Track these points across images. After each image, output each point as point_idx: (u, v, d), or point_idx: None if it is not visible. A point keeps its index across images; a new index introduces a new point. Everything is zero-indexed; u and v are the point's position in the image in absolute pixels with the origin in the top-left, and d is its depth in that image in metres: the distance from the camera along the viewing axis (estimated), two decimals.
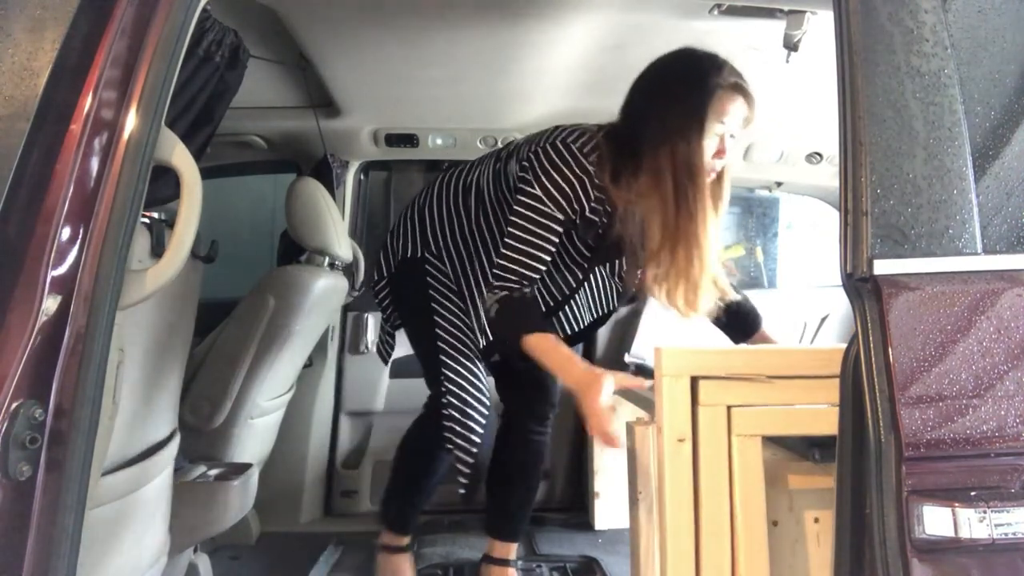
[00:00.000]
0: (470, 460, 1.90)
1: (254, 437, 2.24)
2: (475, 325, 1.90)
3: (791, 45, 1.69)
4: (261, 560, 2.32)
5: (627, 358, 2.70)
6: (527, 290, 1.66)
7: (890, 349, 1.03)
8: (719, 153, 1.63)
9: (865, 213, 1.08)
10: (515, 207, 1.68)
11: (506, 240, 1.67)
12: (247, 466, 2.02)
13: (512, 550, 2.11)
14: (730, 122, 1.63)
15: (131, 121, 1.04)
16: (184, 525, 1.74)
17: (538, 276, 1.68)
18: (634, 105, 1.69)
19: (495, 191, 1.86)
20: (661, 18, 1.81)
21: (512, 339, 1.63)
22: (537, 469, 2.06)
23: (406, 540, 2.15)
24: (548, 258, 1.67)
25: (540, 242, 1.66)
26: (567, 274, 1.92)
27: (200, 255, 1.65)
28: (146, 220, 1.37)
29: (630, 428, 2.02)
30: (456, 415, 1.89)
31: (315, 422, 2.67)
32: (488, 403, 1.93)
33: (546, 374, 1.81)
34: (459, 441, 1.89)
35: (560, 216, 1.66)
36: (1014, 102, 1.14)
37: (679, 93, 1.61)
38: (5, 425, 0.90)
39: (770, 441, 1.73)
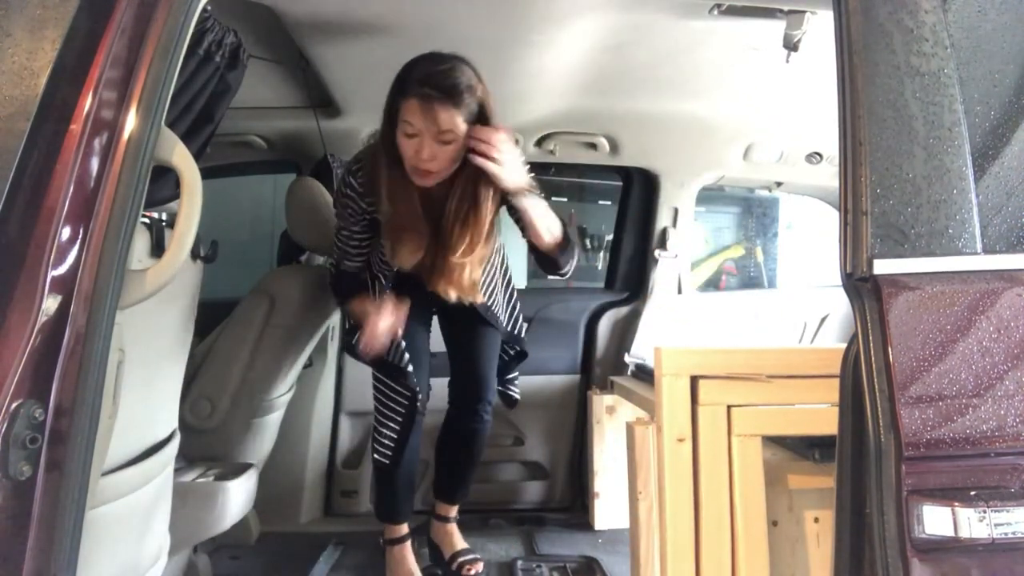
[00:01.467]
0: (385, 462, 2.16)
1: (254, 437, 2.24)
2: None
3: (791, 45, 1.69)
4: (261, 560, 2.32)
5: (627, 358, 2.71)
6: (350, 265, 2.07)
7: (890, 349, 1.03)
8: (416, 153, 1.79)
9: (865, 213, 1.08)
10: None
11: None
12: (247, 466, 2.02)
13: (452, 510, 2.37)
14: (420, 126, 1.77)
15: (131, 121, 1.05)
16: (184, 525, 1.74)
17: (358, 259, 2.07)
18: None
19: None
20: (661, 18, 1.81)
21: (338, 297, 2.15)
22: (475, 449, 2.31)
23: (404, 529, 2.24)
24: (357, 249, 2.05)
25: (347, 243, 2.05)
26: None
27: (200, 255, 1.65)
28: (146, 220, 1.37)
29: (630, 428, 2.02)
30: (377, 421, 2.17)
31: (315, 422, 2.67)
32: (408, 406, 2.13)
33: (485, 368, 2.23)
34: (377, 446, 2.17)
35: (353, 225, 2.00)
36: (1014, 102, 1.14)
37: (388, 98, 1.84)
38: (5, 425, 0.90)
39: (770, 441, 1.73)
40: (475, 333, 2.21)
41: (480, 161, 1.77)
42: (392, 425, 2.13)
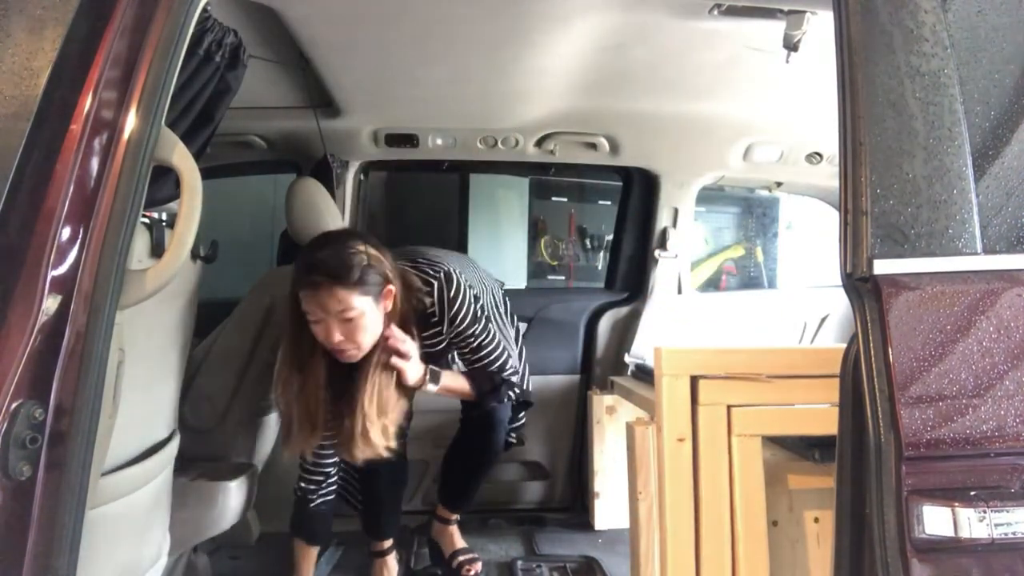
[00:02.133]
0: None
1: (254, 437, 2.24)
2: None
3: (791, 45, 1.69)
4: (261, 560, 2.32)
5: (627, 358, 2.71)
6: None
7: (890, 349, 1.03)
8: (327, 337, 1.80)
9: (865, 213, 1.08)
10: None
11: None
12: (247, 466, 2.02)
13: (455, 515, 2.38)
14: (320, 313, 1.78)
15: (131, 121, 1.05)
16: (184, 525, 1.74)
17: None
18: None
19: None
20: (661, 18, 1.81)
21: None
22: (482, 470, 2.34)
23: (387, 544, 2.26)
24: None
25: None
26: None
27: (200, 255, 1.64)
28: (146, 220, 1.37)
29: (630, 428, 2.02)
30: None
31: None
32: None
33: (496, 409, 2.19)
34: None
35: None
36: (1014, 102, 1.14)
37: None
38: (5, 425, 0.90)
39: (770, 441, 1.73)
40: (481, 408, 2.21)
41: (394, 361, 1.86)
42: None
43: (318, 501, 2.06)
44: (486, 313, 2.09)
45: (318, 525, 2.09)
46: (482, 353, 2.08)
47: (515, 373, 2.16)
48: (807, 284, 4.70)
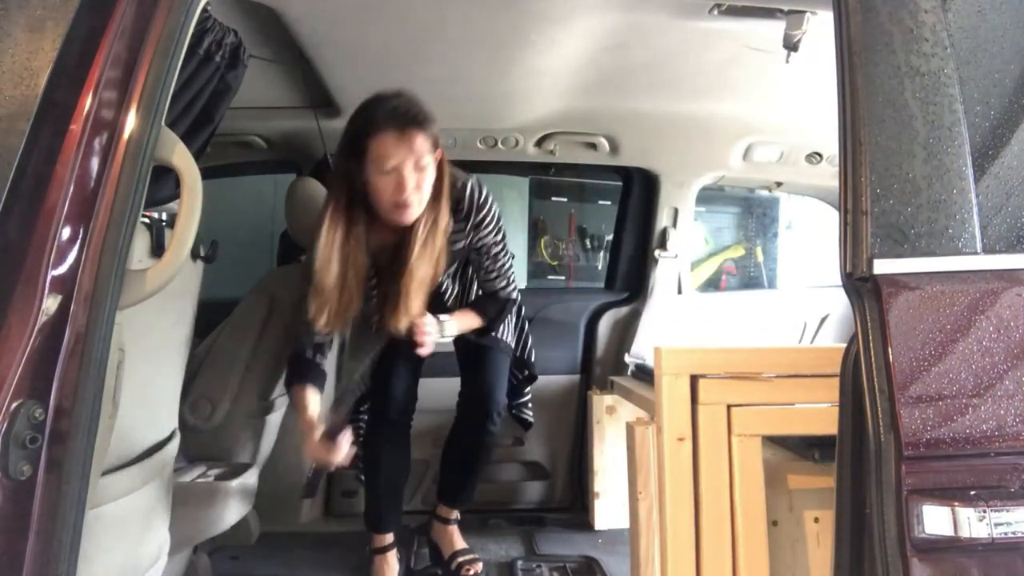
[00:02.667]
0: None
1: (254, 437, 2.24)
2: None
3: (791, 45, 1.69)
4: (261, 560, 2.32)
5: (627, 358, 2.71)
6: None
7: (890, 348, 1.03)
8: (399, 186, 1.80)
9: (865, 213, 1.08)
10: None
11: None
12: (247, 466, 2.02)
13: (454, 512, 2.37)
14: (401, 156, 1.78)
15: (131, 121, 1.04)
16: (184, 525, 1.73)
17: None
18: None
19: None
20: (661, 18, 1.81)
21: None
22: (481, 459, 2.30)
23: (389, 539, 2.24)
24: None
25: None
26: None
27: (200, 255, 1.64)
28: (146, 220, 1.37)
29: (630, 428, 2.02)
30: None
31: None
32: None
33: (492, 383, 2.20)
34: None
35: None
36: (1014, 102, 1.14)
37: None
38: (5, 425, 0.90)
39: (770, 441, 1.73)
40: (483, 350, 2.21)
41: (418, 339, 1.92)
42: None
43: (314, 356, 1.98)
44: (503, 226, 2.09)
45: (311, 371, 1.98)
46: (499, 264, 2.10)
47: (516, 291, 2.18)
48: (807, 284, 4.70)
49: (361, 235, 1.88)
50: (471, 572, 2.25)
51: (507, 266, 2.13)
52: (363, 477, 2.27)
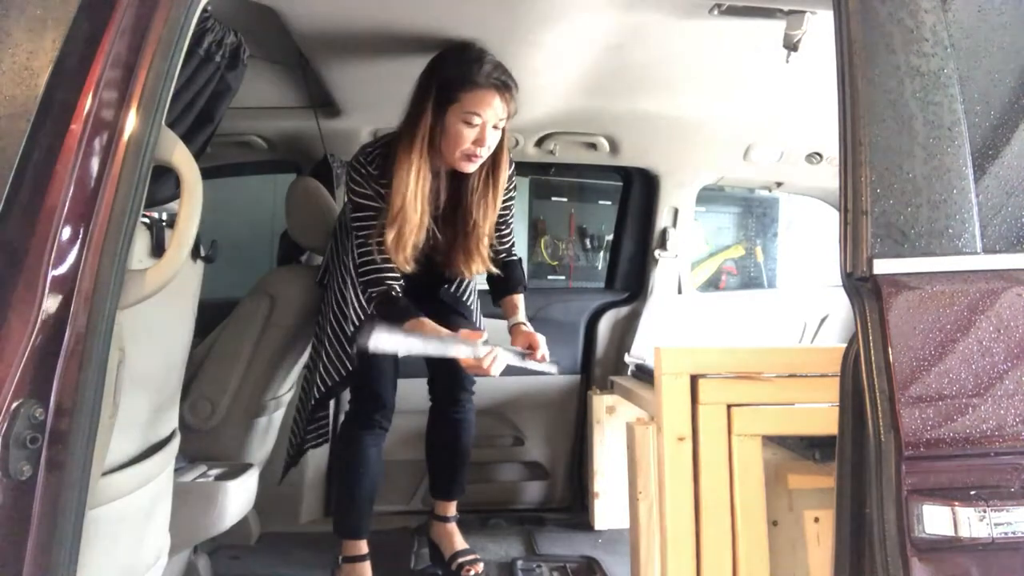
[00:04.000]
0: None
1: (254, 437, 2.24)
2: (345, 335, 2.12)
3: (791, 45, 1.69)
4: (261, 560, 2.32)
5: (627, 358, 2.71)
6: (395, 288, 1.97)
7: (890, 348, 1.03)
8: (477, 141, 1.91)
9: (865, 213, 1.08)
10: (351, 223, 2.04)
11: (355, 251, 2.04)
12: (247, 466, 2.02)
13: (450, 508, 2.35)
14: (489, 115, 1.90)
15: (131, 121, 1.04)
16: (184, 525, 1.73)
17: (390, 267, 1.97)
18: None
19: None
20: (661, 18, 1.81)
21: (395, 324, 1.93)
22: (462, 441, 2.30)
23: (364, 547, 2.19)
24: (382, 248, 1.97)
25: (369, 242, 1.98)
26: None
27: (200, 255, 1.64)
28: (146, 220, 1.37)
29: (630, 428, 2.02)
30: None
31: None
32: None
33: (456, 365, 2.10)
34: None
35: (374, 215, 1.97)
36: (1014, 102, 1.14)
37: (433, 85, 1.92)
38: (5, 425, 0.90)
39: (770, 441, 1.73)
40: (446, 325, 2.17)
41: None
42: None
43: (396, 289, 1.98)
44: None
45: (407, 304, 1.97)
46: (510, 227, 2.23)
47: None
48: (807, 284, 4.70)
49: (429, 173, 1.96)
50: (472, 572, 2.24)
51: (512, 231, 2.26)
52: (340, 480, 2.24)
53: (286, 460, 2.31)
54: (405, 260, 1.96)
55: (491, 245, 2.14)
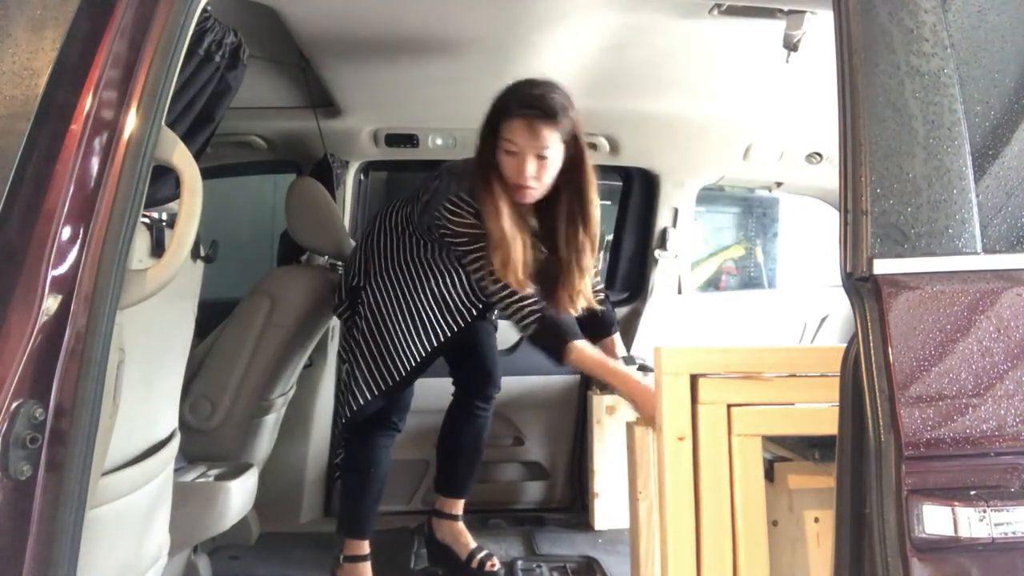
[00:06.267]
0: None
1: (254, 437, 2.24)
2: (395, 349, 2.13)
3: (791, 45, 1.69)
4: (261, 560, 2.32)
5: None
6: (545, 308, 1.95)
7: (890, 348, 1.03)
8: (519, 170, 1.90)
9: (865, 213, 1.08)
10: (460, 256, 2.03)
11: (480, 283, 2.00)
12: (247, 466, 2.02)
13: (459, 506, 2.36)
14: (523, 144, 1.88)
15: (131, 121, 1.04)
16: (184, 525, 1.73)
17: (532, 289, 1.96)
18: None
19: (420, 227, 2.13)
20: (661, 18, 1.81)
21: (555, 352, 1.94)
22: (480, 440, 2.34)
23: (366, 548, 2.20)
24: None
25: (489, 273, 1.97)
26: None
27: (200, 255, 1.64)
28: (146, 220, 1.36)
29: (630, 428, 2.02)
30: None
31: (315, 422, 2.67)
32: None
33: (491, 360, 2.29)
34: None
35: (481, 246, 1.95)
36: (1014, 102, 1.14)
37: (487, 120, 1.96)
38: (5, 425, 0.90)
39: (770, 441, 1.73)
40: (473, 326, 2.22)
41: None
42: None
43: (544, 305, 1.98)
44: None
45: (565, 323, 1.99)
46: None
47: None
48: (807, 284, 4.71)
49: (508, 202, 1.95)
50: (496, 567, 2.27)
51: None
52: (350, 479, 2.24)
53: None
54: (519, 282, 1.93)
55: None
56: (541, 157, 1.89)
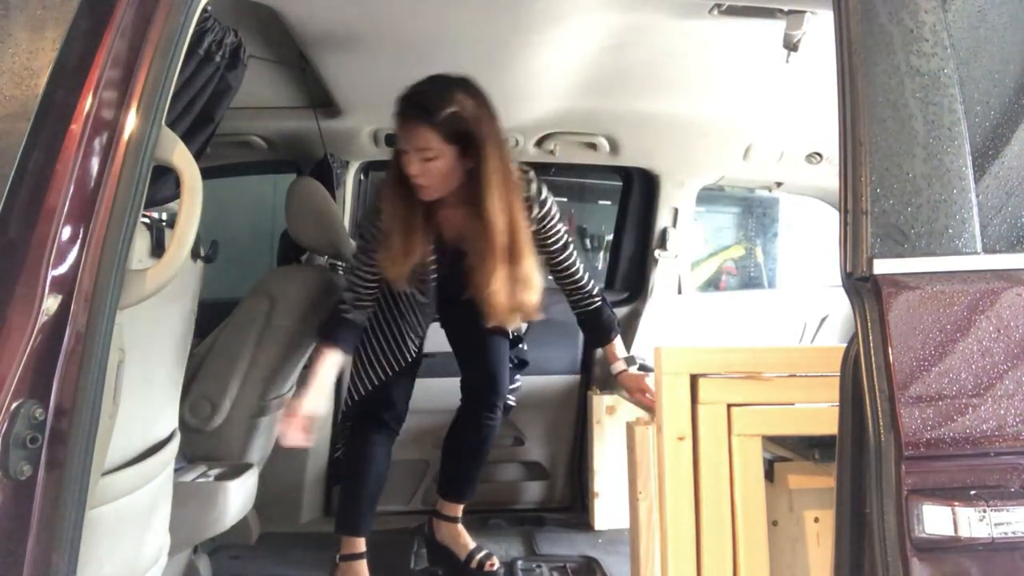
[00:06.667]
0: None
1: (254, 437, 2.24)
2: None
3: (791, 45, 1.69)
4: (261, 560, 2.32)
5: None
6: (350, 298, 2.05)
7: (890, 348, 1.03)
8: (407, 168, 1.90)
9: (865, 213, 1.08)
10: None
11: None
12: (247, 466, 2.02)
13: (459, 509, 2.37)
14: (403, 143, 1.90)
15: (131, 121, 1.04)
16: (184, 525, 1.73)
17: (364, 293, 2.05)
18: None
19: None
20: (661, 18, 1.81)
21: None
22: (485, 447, 2.34)
23: (362, 546, 2.20)
24: (365, 279, 2.05)
25: (360, 268, 2.06)
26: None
27: (200, 255, 1.64)
28: (146, 220, 1.36)
29: (630, 428, 2.02)
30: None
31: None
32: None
33: (498, 370, 2.28)
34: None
35: (371, 252, 2.02)
36: (1014, 102, 1.14)
37: None
38: (5, 425, 0.90)
39: (770, 441, 1.73)
40: (483, 332, 2.22)
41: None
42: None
43: (351, 312, 2.05)
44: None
45: (344, 330, 2.05)
46: (569, 250, 2.15)
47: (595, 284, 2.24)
48: (807, 284, 4.71)
49: (403, 202, 1.96)
50: (496, 567, 2.27)
51: (569, 239, 2.18)
52: (346, 477, 2.27)
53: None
54: (396, 276, 1.99)
55: (570, 285, 2.16)
56: (424, 156, 1.86)
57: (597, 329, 2.20)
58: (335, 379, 2.06)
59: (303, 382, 2.02)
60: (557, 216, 2.11)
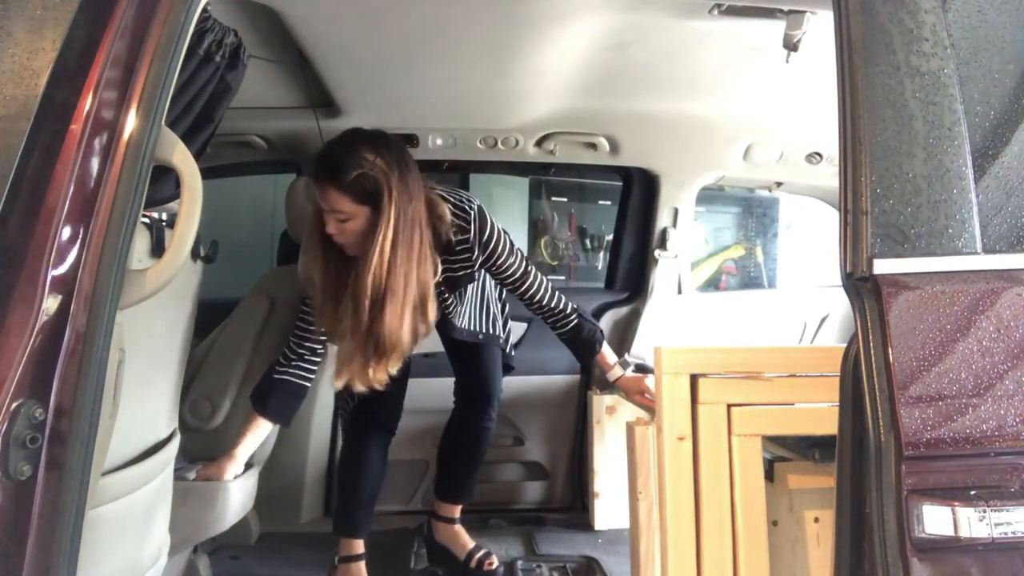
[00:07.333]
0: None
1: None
2: None
3: (791, 45, 1.69)
4: (261, 560, 2.32)
5: (627, 358, 2.70)
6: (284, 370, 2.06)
7: (890, 348, 1.03)
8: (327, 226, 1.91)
9: (865, 213, 1.08)
10: None
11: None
12: (247, 466, 2.02)
13: (456, 510, 2.38)
14: (320, 203, 1.91)
15: (131, 121, 1.05)
16: (184, 525, 1.74)
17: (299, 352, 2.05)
18: None
19: None
20: (661, 18, 1.81)
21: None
22: (480, 450, 2.34)
23: (360, 547, 2.20)
24: (303, 337, 2.06)
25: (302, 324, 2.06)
26: None
27: (200, 255, 1.65)
28: (146, 220, 1.37)
29: (630, 428, 2.02)
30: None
31: (315, 422, 2.67)
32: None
33: (490, 377, 2.29)
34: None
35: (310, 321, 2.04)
36: (1014, 102, 1.14)
37: None
38: (5, 425, 0.90)
39: (770, 441, 1.73)
40: (477, 343, 2.25)
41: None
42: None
43: (283, 373, 2.03)
44: (509, 239, 2.12)
45: (277, 395, 2.01)
46: (529, 279, 2.12)
47: (548, 282, 2.20)
48: (807, 284, 4.71)
49: (322, 254, 1.98)
50: (495, 565, 2.27)
51: (527, 268, 2.14)
52: (342, 479, 2.27)
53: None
54: (323, 320, 1.98)
55: (540, 311, 2.15)
56: (338, 217, 1.87)
57: (581, 345, 2.19)
58: (254, 450, 2.03)
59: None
60: (507, 249, 2.08)
